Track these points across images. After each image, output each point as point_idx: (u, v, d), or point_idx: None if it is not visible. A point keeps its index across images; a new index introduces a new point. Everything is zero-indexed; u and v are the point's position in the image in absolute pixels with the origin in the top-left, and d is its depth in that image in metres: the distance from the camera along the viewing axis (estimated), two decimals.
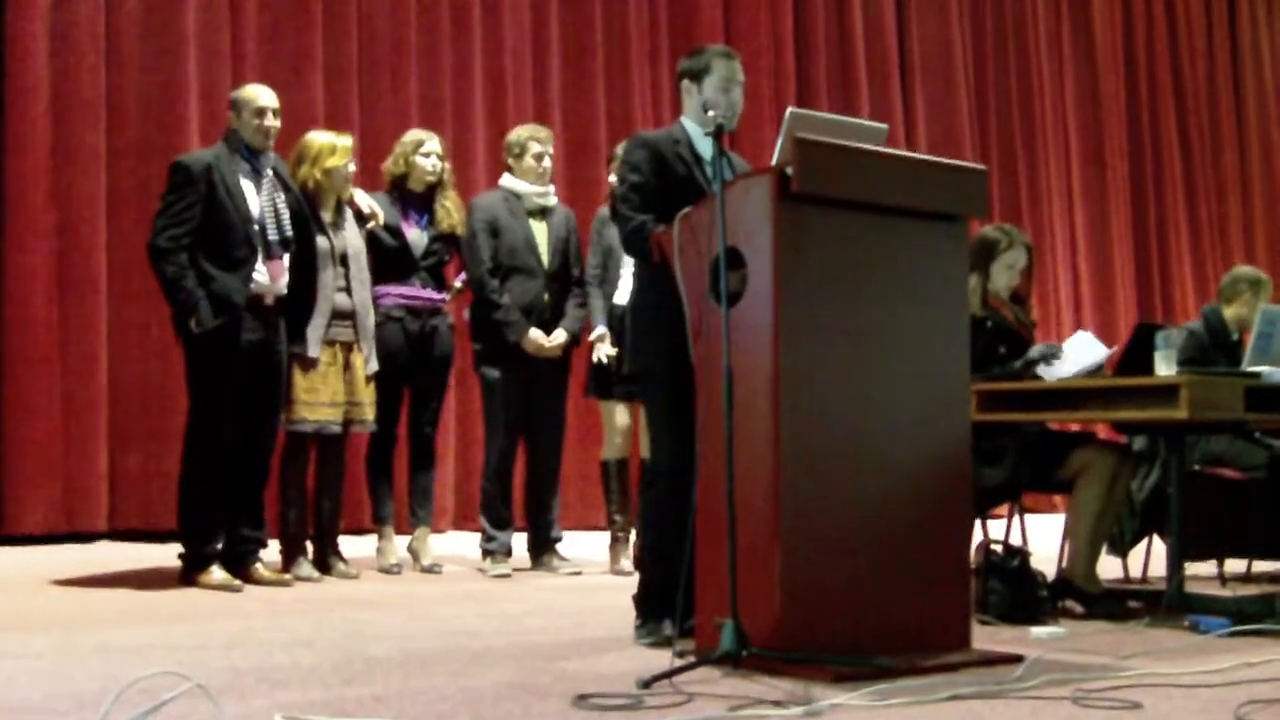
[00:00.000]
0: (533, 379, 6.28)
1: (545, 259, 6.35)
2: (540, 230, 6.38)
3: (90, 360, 7.32)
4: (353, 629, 4.46)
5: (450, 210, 6.39)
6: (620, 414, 6.37)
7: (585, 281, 6.38)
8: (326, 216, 5.99)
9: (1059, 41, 11.95)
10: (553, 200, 6.50)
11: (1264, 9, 13.25)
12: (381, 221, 6.26)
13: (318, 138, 6.09)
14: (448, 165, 6.50)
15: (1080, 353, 5.10)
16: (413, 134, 6.51)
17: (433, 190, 6.40)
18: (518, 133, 6.52)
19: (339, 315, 5.98)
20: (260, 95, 5.71)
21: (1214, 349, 6.12)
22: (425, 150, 6.37)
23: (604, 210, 6.43)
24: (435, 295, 6.38)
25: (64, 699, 3.18)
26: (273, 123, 5.68)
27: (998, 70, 11.50)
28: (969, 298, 4.52)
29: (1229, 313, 6.33)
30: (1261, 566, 6.43)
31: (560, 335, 6.31)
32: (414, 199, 6.38)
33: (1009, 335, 5.26)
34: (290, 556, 5.95)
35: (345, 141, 6.11)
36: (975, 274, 5.20)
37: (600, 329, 6.22)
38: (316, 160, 5.99)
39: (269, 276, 5.58)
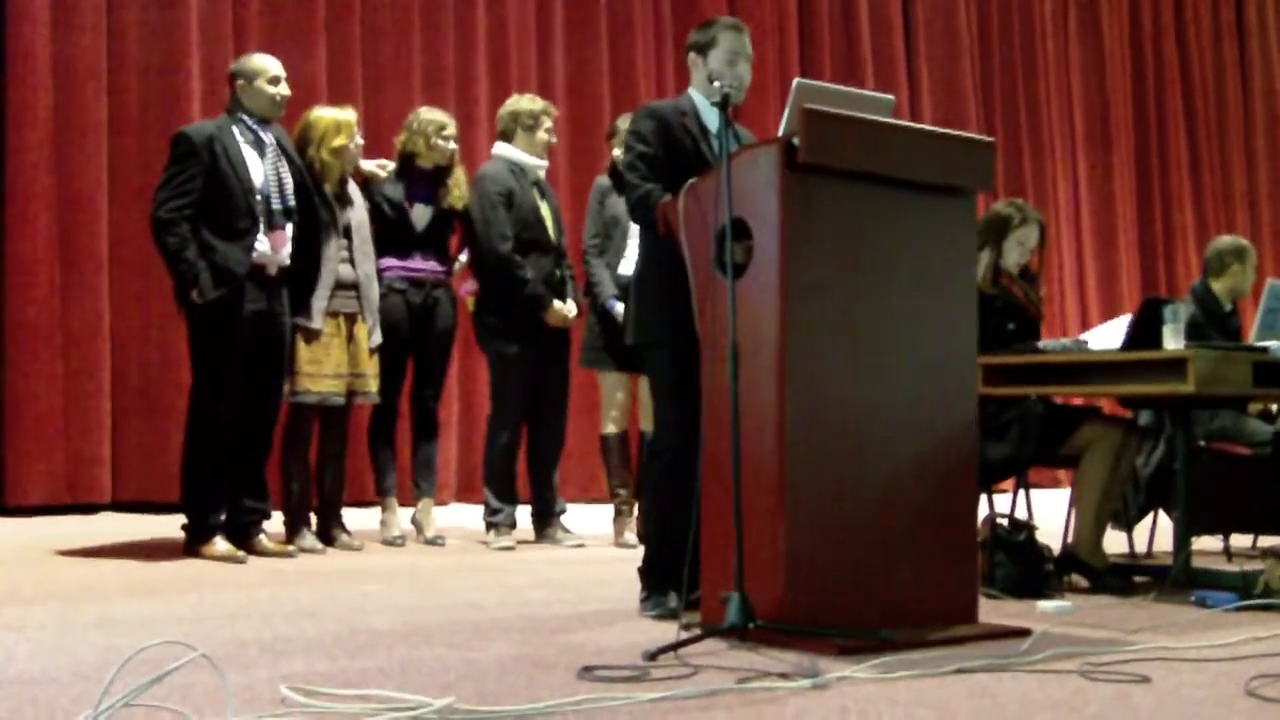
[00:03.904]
0: (539, 354, 6.26)
1: (551, 233, 6.33)
2: (542, 204, 6.36)
3: (93, 332, 7.31)
4: (356, 601, 4.45)
5: (452, 187, 6.35)
6: (619, 387, 6.35)
7: (585, 252, 6.35)
8: (330, 189, 5.96)
9: (1064, 16, 11.92)
10: (544, 174, 6.49)
11: None
12: (389, 171, 6.28)
13: (322, 117, 6.04)
14: (458, 146, 6.49)
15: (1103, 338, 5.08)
16: (432, 115, 6.42)
17: (440, 168, 6.37)
18: (529, 104, 6.46)
19: (342, 286, 5.97)
20: (271, 64, 5.70)
21: (1208, 325, 6.10)
22: (446, 134, 6.35)
23: (602, 180, 6.41)
24: (438, 268, 6.36)
25: (66, 670, 3.17)
26: (287, 91, 5.68)
27: (1003, 44, 11.47)
28: (976, 271, 4.51)
29: (1219, 286, 6.35)
30: (1267, 541, 6.43)
31: (573, 308, 6.31)
32: (421, 175, 6.35)
33: (1018, 313, 5.23)
34: (293, 528, 5.95)
35: (349, 116, 6.08)
36: (987, 250, 5.18)
37: (618, 305, 6.14)
38: (323, 141, 5.95)
39: (271, 247, 5.56)
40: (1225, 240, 6.59)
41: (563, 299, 6.32)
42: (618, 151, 6.17)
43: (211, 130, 5.54)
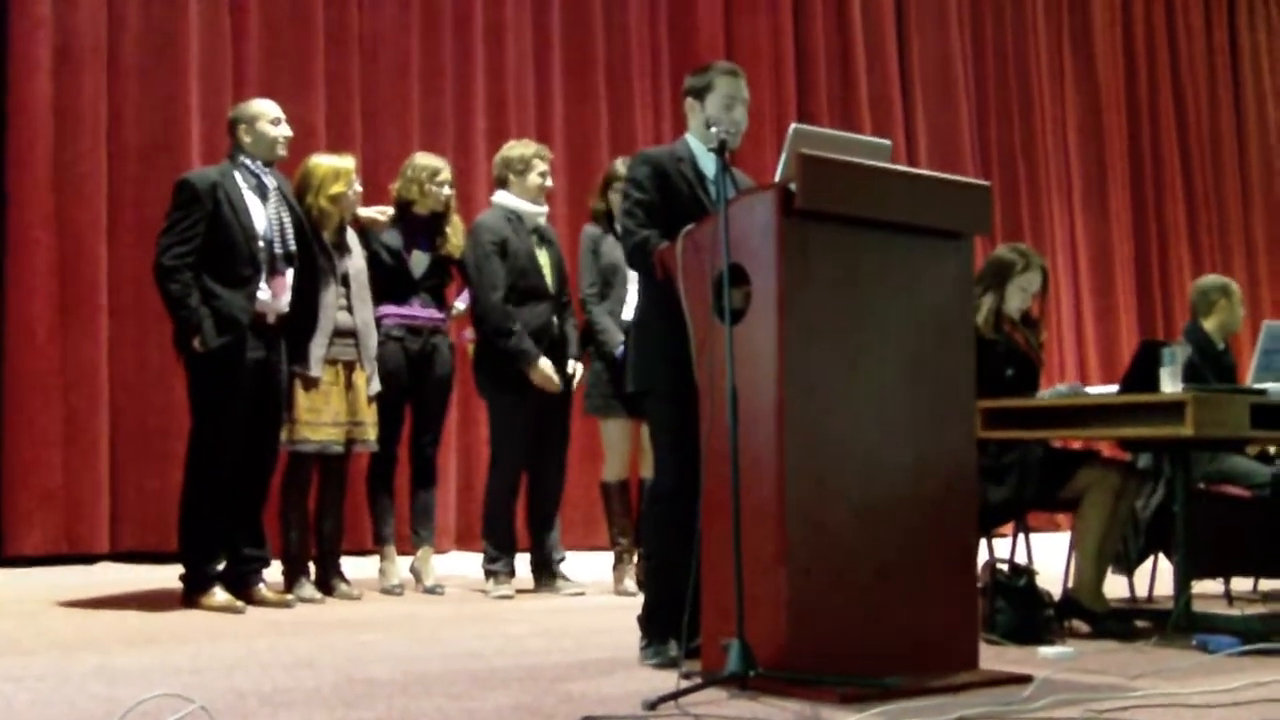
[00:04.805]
0: (540, 402, 6.24)
1: (550, 281, 6.33)
2: (541, 252, 6.36)
3: (91, 380, 7.30)
4: (355, 650, 4.43)
5: (451, 235, 6.37)
6: (622, 435, 6.34)
7: (584, 301, 6.34)
8: (329, 237, 5.98)
9: (1059, 57, 11.98)
10: (544, 220, 6.48)
11: (1264, 22, 13.28)
12: (392, 216, 6.31)
13: (320, 164, 6.06)
14: (453, 192, 6.50)
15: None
16: (426, 160, 6.46)
17: (437, 214, 6.39)
18: (520, 149, 6.47)
19: (341, 334, 5.97)
20: (270, 106, 5.74)
21: (1204, 365, 6.11)
22: (440, 180, 6.37)
23: (591, 229, 6.40)
24: (436, 315, 6.37)
25: None
26: (289, 131, 5.71)
27: (998, 86, 11.52)
28: (974, 314, 4.52)
29: (1210, 324, 6.39)
30: (1268, 584, 6.41)
31: (575, 369, 6.36)
32: (418, 222, 6.37)
33: (1017, 358, 5.24)
34: (292, 577, 5.92)
35: (347, 164, 6.11)
36: (989, 294, 5.20)
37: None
38: (321, 189, 5.97)
39: (272, 294, 5.56)
40: (1208, 279, 6.66)
41: (563, 350, 6.32)
42: (615, 196, 6.16)
43: (214, 177, 5.56)
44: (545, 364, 6.18)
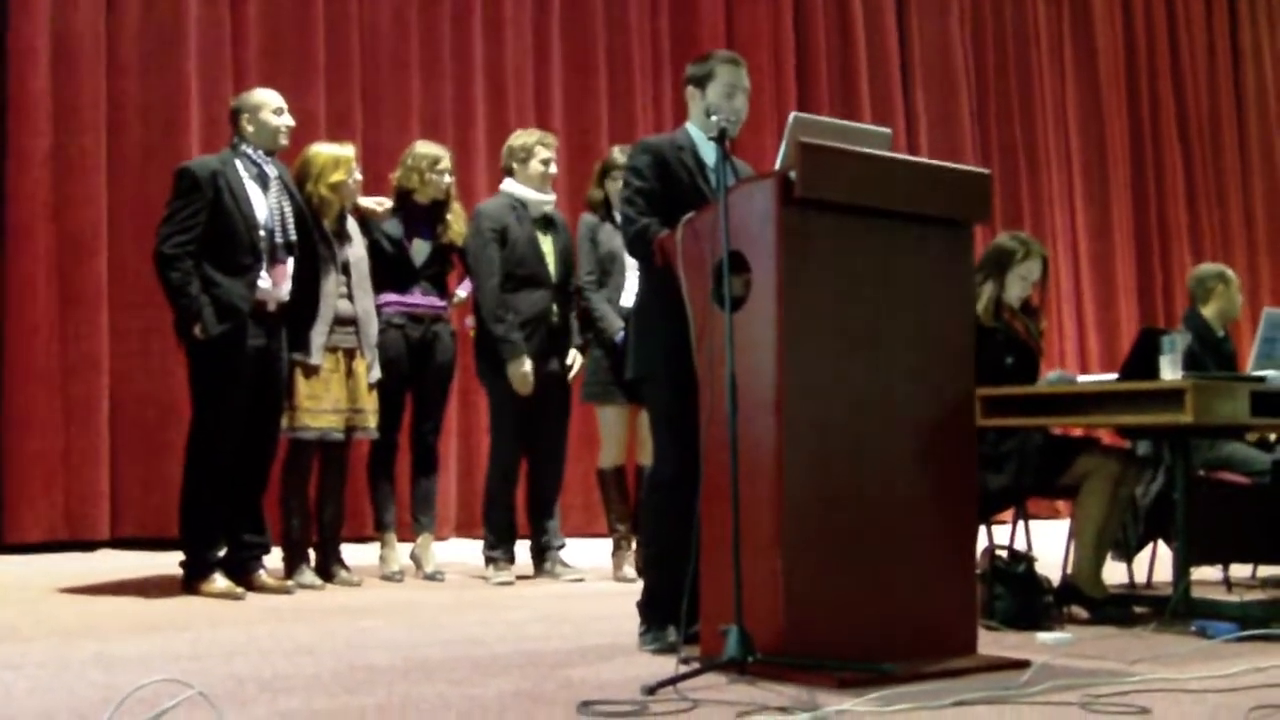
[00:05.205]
0: (540, 388, 6.24)
1: (552, 269, 6.32)
2: (545, 240, 6.35)
3: (91, 368, 7.31)
4: (355, 637, 4.44)
5: (453, 222, 6.38)
6: (619, 421, 6.34)
7: (583, 289, 6.34)
8: (329, 225, 5.98)
9: (1060, 46, 11.97)
10: (551, 208, 6.47)
11: (1264, 12, 13.27)
12: (389, 208, 6.32)
13: (320, 152, 6.07)
14: (454, 179, 6.50)
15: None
16: (426, 149, 6.46)
17: (438, 203, 6.39)
18: (523, 138, 6.47)
19: (341, 322, 5.97)
20: (273, 96, 5.74)
21: (1204, 352, 6.11)
22: (440, 168, 6.36)
23: (588, 217, 6.40)
24: (437, 303, 6.37)
25: (64, 708, 3.16)
26: (291, 121, 5.72)
27: (999, 75, 11.51)
28: (974, 302, 4.52)
29: (1209, 311, 6.41)
30: (1267, 571, 6.41)
31: (574, 358, 6.36)
32: (419, 211, 6.37)
33: (1017, 347, 5.24)
34: (293, 564, 5.93)
35: (347, 152, 6.11)
36: (990, 283, 5.20)
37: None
38: (320, 177, 5.97)
39: (272, 282, 5.56)
40: (1205, 267, 6.69)
41: (564, 339, 6.34)
42: (613, 185, 6.16)
43: (215, 165, 5.55)
44: (526, 365, 6.13)
